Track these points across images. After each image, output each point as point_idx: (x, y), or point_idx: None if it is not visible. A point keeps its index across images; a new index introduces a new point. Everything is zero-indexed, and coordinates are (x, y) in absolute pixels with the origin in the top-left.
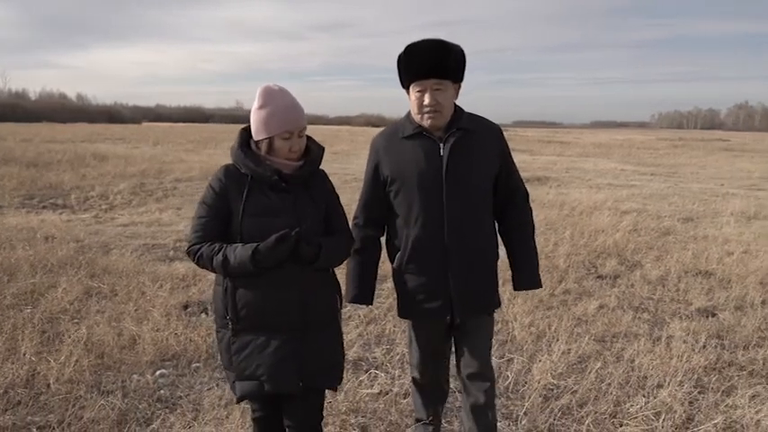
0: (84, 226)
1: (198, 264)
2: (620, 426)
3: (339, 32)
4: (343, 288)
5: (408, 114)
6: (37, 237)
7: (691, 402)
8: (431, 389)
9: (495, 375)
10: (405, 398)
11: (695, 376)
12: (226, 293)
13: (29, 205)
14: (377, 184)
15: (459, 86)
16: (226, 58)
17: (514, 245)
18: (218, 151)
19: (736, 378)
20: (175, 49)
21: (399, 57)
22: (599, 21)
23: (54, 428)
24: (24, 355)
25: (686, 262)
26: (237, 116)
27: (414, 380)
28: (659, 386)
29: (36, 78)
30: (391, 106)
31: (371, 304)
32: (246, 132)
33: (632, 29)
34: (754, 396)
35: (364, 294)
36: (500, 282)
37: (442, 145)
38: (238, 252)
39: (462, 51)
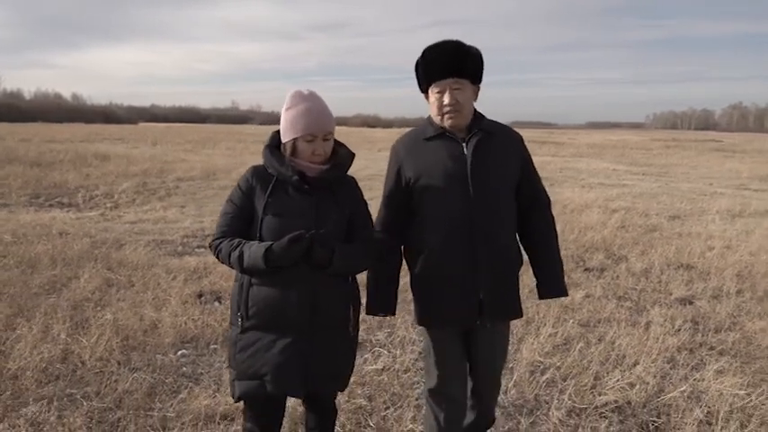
0: (94, 223)
1: (218, 258)
2: (599, 395)
3: (336, 33)
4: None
5: (429, 118)
6: (52, 232)
7: (663, 376)
8: (447, 404)
9: None
10: (405, 373)
11: (669, 354)
12: (241, 290)
13: (36, 204)
14: (399, 188)
15: (478, 89)
16: (222, 59)
17: (538, 253)
18: (217, 151)
19: (706, 356)
20: (170, 48)
21: (417, 61)
22: (595, 21)
23: (92, 399)
24: (59, 335)
25: (669, 256)
26: (234, 116)
27: (430, 391)
28: (635, 363)
29: (30, 78)
30: (388, 107)
31: (394, 314)
32: (277, 134)
33: (628, 29)
34: (719, 370)
35: (385, 304)
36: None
37: (465, 145)
38: (253, 249)
39: (480, 54)
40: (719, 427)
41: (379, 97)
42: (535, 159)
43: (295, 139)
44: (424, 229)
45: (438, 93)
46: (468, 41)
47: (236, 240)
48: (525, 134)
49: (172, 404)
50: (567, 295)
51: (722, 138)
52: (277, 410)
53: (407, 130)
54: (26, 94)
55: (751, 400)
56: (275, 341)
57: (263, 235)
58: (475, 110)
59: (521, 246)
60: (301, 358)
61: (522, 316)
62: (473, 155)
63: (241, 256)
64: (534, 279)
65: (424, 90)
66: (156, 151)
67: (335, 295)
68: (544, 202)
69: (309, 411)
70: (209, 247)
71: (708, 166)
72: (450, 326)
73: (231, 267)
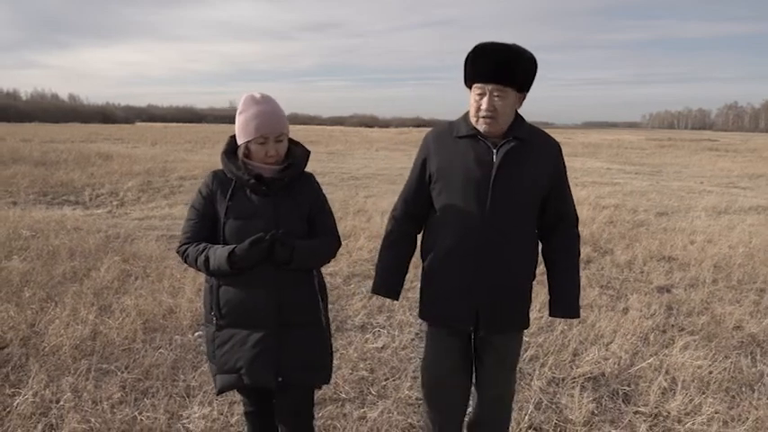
0: (103, 220)
1: (186, 263)
2: (576, 367)
3: (330, 32)
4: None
5: (466, 115)
6: (66, 228)
7: (635, 353)
8: (442, 400)
9: (515, 424)
10: (403, 350)
11: (642, 334)
12: (211, 291)
13: (43, 201)
14: (421, 180)
15: (524, 96)
16: (216, 59)
17: (556, 270)
18: (216, 151)
19: (677, 336)
20: (164, 49)
21: (467, 56)
22: (591, 21)
23: (123, 371)
24: (87, 317)
25: (653, 249)
26: (230, 116)
27: (426, 412)
28: (611, 342)
29: (24, 78)
30: (383, 107)
31: (397, 299)
32: (233, 138)
33: (624, 30)
34: (685, 346)
35: (390, 287)
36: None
37: (495, 151)
38: (218, 253)
39: (533, 60)
40: (680, 391)
41: (375, 97)
42: None
43: (248, 142)
44: (437, 228)
45: (478, 95)
46: (462, 41)
47: (202, 245)
48: None
49: (194, 376)
50: (578, 317)
51: (718, 137)
52: (265, 392)
53: (443, 123)
54: (22, 94)
55: (711, 370)
56: (248, 336)
57: (227, 238)
58: (517, 114)
59: (541, 258)
60: (273, 352)
61: (527, 327)
62: (501, 163)
63: (207, 260)
64: (555, 302)
65: (468, 86)
66: (157, 151)
67: (302, 290)
68: (571, 220)
69: (279, 405)
70: (177, 252)
71: (700, 165)
72: (445, 327)
73: (199, 271)
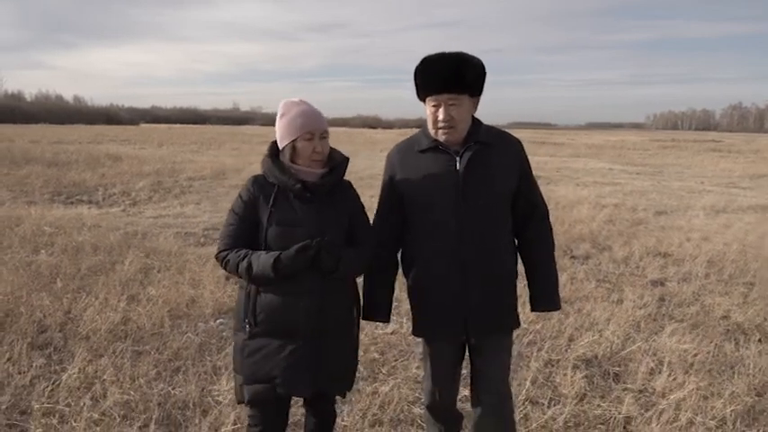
0: (118, 218)
1: (226, 269)
2: (571, 351)
3: (334, 33)
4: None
5: (425, 128)
6: (86, 225)
7: (626, 338)
8: (444, 416)
9: (513, 398)
10: (410, 335)
11: (634, 322)
12: (248, 298)
13: (58, 201)
14: (392, 200)
15: (478, 100)
16: (221, 59)
17: (533, 263)
18: (222, 152)
19: (667, 324)
20: (170, 49)
21: (416, 69)
22: (592, 22)
23: (155, 353)
24: (118, 305)
25: (649, 246)
26: (235, 117)
27: (427, 408)
28: (605, 328)
29: (28, 79)
30: (387, 108)
31: (388, 321)
32: (275, 144)
33: (625, 30)
34: (673, 332)
35: (381, 311)
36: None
37: (458, 159)
38: (262, 260)
39: (481, 64)
40: (665, 371)
41: (379, 98)
42: (533, 159)
43: (294, 141)
44: (415, 242)
45: (433, 106)
46: (466, 42)
47: (243, 251)
48: (524, 135)
49: (219, 357)
50: (559, 309)
51: (722, 138)
52: (282, 414)
53: (403, 139)
54: (27, 95)
55: (696, 353)
56: (284, 346)
57: (269, 244)
58: (474, 119)
59: (518, 256)
60: (310, 360)
61: (517, 326)
62: (465, 170)
63: (249, 266)
64: (536, 295)
65: (422, 99)
66: (164, 152)
67: (341, 299)
68: (541, 212)
69: (310, 415)
70: (216, 258)
71: (702, 165)
72: (440, 340)
73: (239, 277)
